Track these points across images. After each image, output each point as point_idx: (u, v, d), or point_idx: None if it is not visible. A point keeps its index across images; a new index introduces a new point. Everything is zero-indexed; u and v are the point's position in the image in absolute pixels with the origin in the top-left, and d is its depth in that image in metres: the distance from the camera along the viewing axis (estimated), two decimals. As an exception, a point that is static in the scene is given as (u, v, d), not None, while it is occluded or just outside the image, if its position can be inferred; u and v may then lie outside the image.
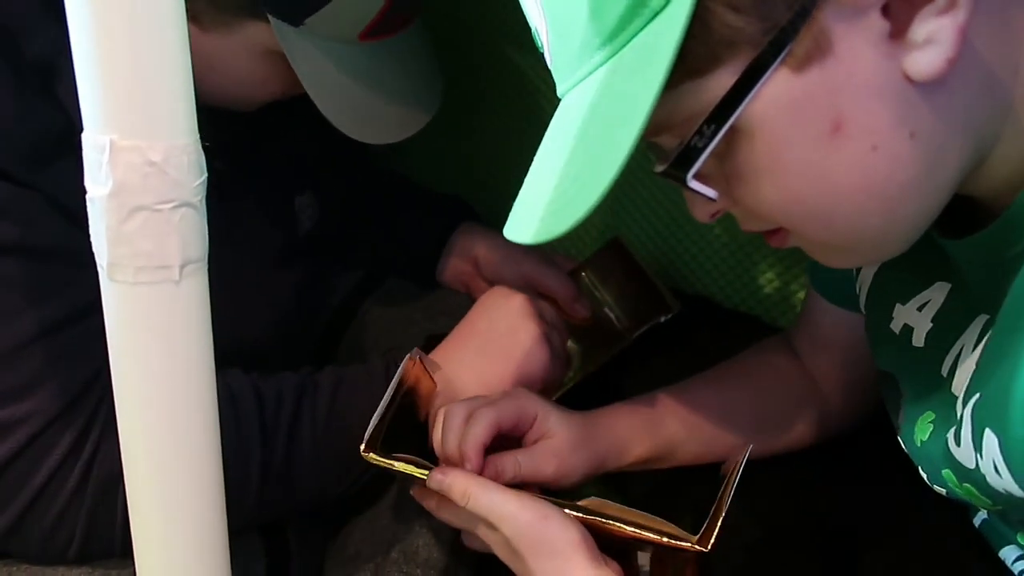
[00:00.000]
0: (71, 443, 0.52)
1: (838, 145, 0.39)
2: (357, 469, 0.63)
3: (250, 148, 0.72)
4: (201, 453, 0.42)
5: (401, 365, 0.60)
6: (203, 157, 0.40)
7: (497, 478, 0.57)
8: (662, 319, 0.79)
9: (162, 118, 0.37)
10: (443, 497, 0.57)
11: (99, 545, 0.54)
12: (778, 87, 0.38)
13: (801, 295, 0.89)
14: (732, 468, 0.59)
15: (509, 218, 0.45)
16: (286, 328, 0.76)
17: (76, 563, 0.55)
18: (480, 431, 0.57)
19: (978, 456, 0.44)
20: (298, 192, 0.78)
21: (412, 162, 1.01)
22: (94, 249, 0.40)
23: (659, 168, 0.40)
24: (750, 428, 0.66)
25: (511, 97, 0.95)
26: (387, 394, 0.58)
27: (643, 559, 0.57)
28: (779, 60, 0.37)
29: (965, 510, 0.56)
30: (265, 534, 0.64)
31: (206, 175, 0.40)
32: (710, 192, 0.41)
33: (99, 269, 0.40)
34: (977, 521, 0.55)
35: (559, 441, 0.60)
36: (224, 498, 0.44)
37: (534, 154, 0.46)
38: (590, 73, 0.40)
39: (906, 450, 0.53)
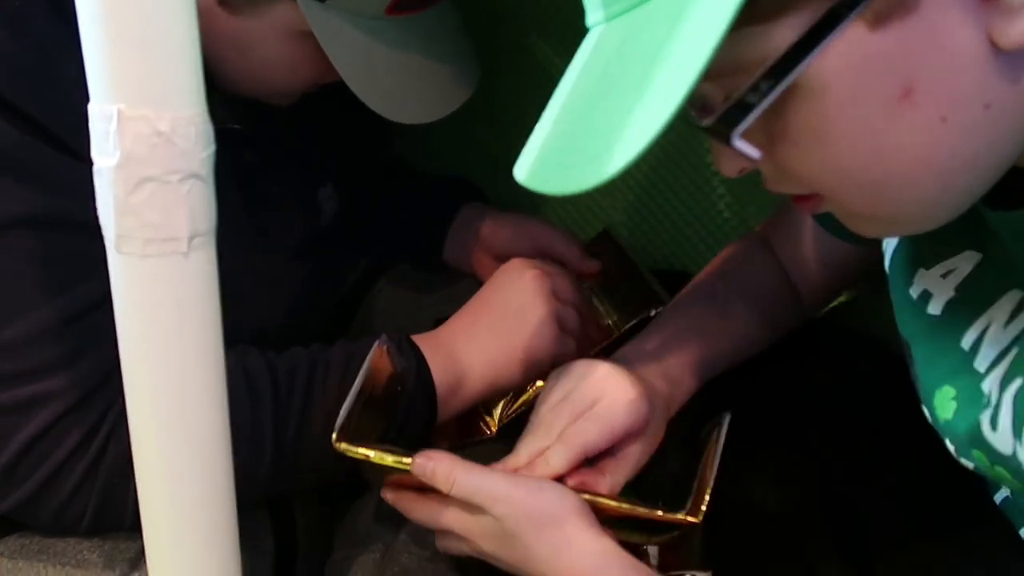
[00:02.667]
0: (92, 422, 0.53)
1: (904, 113, 0.36)
2: None
3: (278, 141, 0.72)
4: (209, 426, 0.42)
5: (370, 353, 0.59)
6: (211, 128, 0.40)
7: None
8: (652, 313, 0.77)
9: (170, 87, 0.37)
10: (417, 495, 0.56)
11: (110, 520, 0.54)
12: (850, 43, 0.34)
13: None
14: (712, 440, 0.59)
15: (527, 165, 0.41)
16: (300, 315, 0.76)
17: (87, 535, 0.55)
18: (567, 460, 0.55)
19: (1017, 443, 0.43)
20: (320, 185, 0.78)
21: (427, 146, 1.01)
22: (101, 221, 0.40)
23: (704, 122, 0.37)
24: (761, 332, 0.68)
25: (528, 82, 0.94)
26: (356, 383, 0.57)
27: (651, 551, 0.57)
28: (856, 12, 0.34)
29: (986, 486, 0.56)
30: (272, 512, 0.64)
31: (214, 147, 0.40)
32: (754, 153, 0.37)
33: (106, 242, 0.40)
34: (999, 499, 0.55)
35: (647, 449, 0.58)
36: (232, 472, 0.44)
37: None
38: (635, 7, 0.37)
39: (929, 421, 0.51)
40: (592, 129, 0.37)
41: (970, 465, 0.49)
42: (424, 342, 0.64)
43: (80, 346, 0.52)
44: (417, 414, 0.62)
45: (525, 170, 0.41)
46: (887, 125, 0.36)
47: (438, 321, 0.70)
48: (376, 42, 0.60)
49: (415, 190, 0.90)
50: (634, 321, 0.77)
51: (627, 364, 0.60)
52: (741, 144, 0.37)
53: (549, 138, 0.41)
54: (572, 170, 0.37)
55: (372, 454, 0.54)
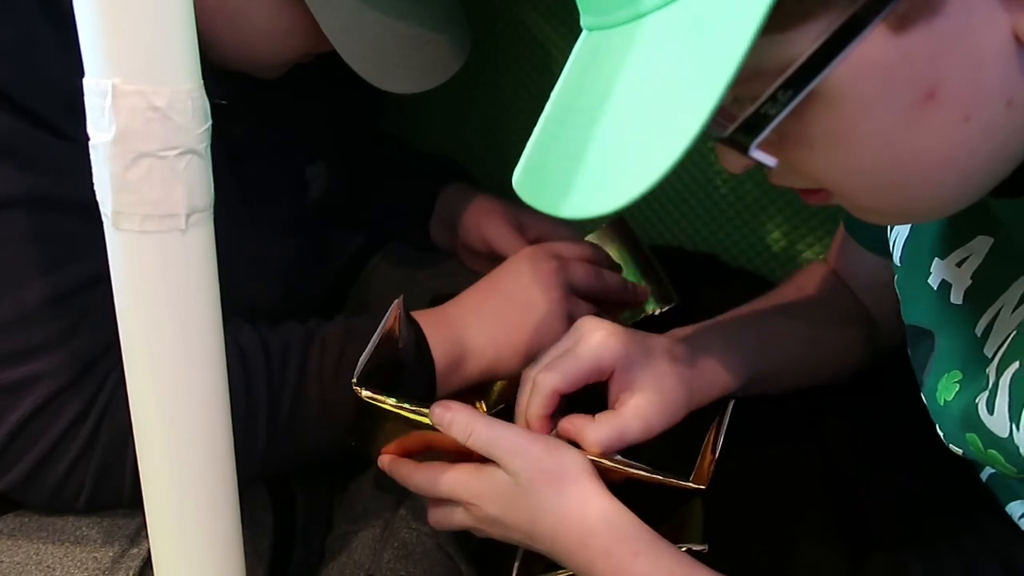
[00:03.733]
0: (86, 401, 0.52)
1: (928, 115, 0.35)
2: None
3: (267, 116, 0.71)
4: (209, 402, 0.42)
5: (389, 309, 0.59)
6: (207, 103, 0.39)
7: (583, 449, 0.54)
8: (656, 312, 0.75)
9: (165, 61, 0.37)
10: (416, 464, 0.56)
11: (108, 496, 0.54)
12: (872, 49, 0.34)
13: (808, 254, 0.89)
14: (715, 419, 0.58)
15: (531, 180, 0.40)
16: (291, 292, 0.76)
17: (84, 513, 0.55)
18: (540, 403, 0.55)
19: (1013, 426, 0.43)
20: (309, 162, 0.78)
21: (422, 125, 1.00)
22: (98, 198, 0.39)
23: (723, 135, 0.36)
24: (823, 359, 0.64)
25: (524, 60, 0.93)
26: (375, 335, 0.56)
27: None
28: (880, 17, 0.33)
29: (972, 464, 0.56)
30: (271, 490, 0.64)
31: (210, 123, 0.40)
32: (771, 161, 0.36)
33: (104, 218, 0.39)
34: (984, 476, 0.55)
35: (647, 402, 0.55)
36: (233, 448, 0.44)
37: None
38: (644, 15, 0.35)
39: (927, 406, 0.51)
40: (608, 148, 0.36)
41: (959, 451, 0.49)
42: (428, 318, 0.64)
43: (74, 325, 0.52)
44: (415, 390, 0.62)
45: (530, 187, 0.40)
46: (910, 128, 0.36)
47: (435, 298, 0.70)
48: (367, 8, 0.59)
49: (401, 172, 0.89)
50: (639, 318, 0.75)
51: (656, 343, 0.59)
52: (758, 154, 0.36)
53: (554, 154, 0.39)
54: (589, 192, 0.36)
55: (391, 401, 0.53)
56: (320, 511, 0.68)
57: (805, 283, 0.69)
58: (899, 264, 0.55)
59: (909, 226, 0.54)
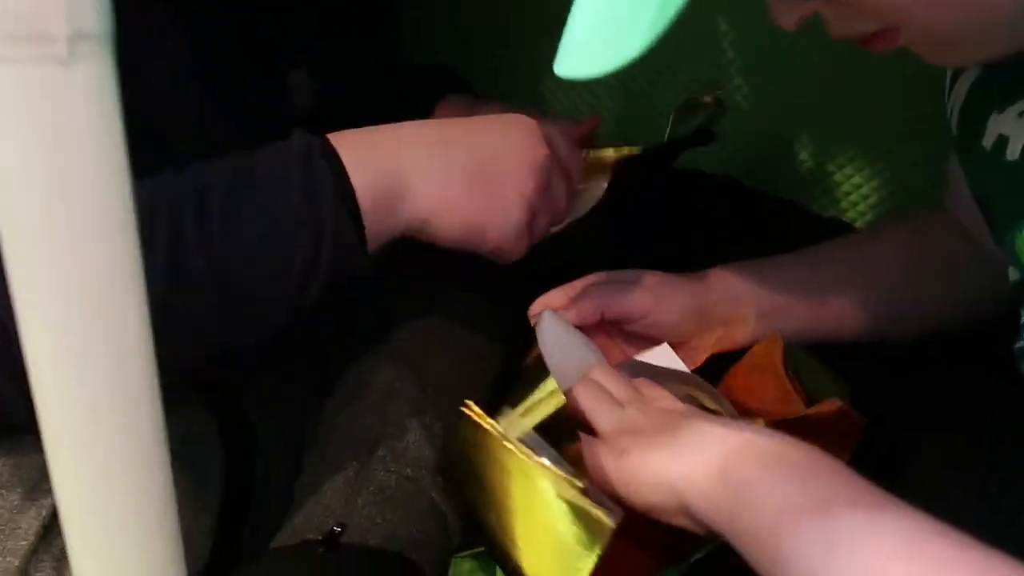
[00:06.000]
0: None
1: None
2: (288, 287, 0.49)
3: (249, 12, 0.64)
4: (118, 285, 0.33)
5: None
6: None
7: (583, 315, 0.57)
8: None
9: None
10: None
11: None
12: None
13: (837, 177, 0.83)
14: None
15: (559, 55, 0.41)
16: None
17: None
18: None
19: None
20: (293, 67, 0.70)
21: (422, 41, 0.96)
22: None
23: None
24: (881, 305, 0.61)
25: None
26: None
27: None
28: None
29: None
30: (221, 422, 0.55)
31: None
32: None
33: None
34: None
35: (648, 280, 0.58)
36: (153, 350, 0.35)
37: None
38: None
39: (1019, 271, 0.48)
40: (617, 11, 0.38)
41: None
42: (345, 138, 0.51)
43: None
44: (337, 235, 0.49)
45: (562, 63, 0.41)
46: None
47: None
48: None
49: (391, 86, 0.81)
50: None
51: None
52: None
53: (580, 28, 0.41)
54: (610, 47, 0.37)
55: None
56: (283, 448, 0.59)
57: (885, 226, 0.67)
58: (955, 133, 0.54)
59: (967, 87, 0.52)
